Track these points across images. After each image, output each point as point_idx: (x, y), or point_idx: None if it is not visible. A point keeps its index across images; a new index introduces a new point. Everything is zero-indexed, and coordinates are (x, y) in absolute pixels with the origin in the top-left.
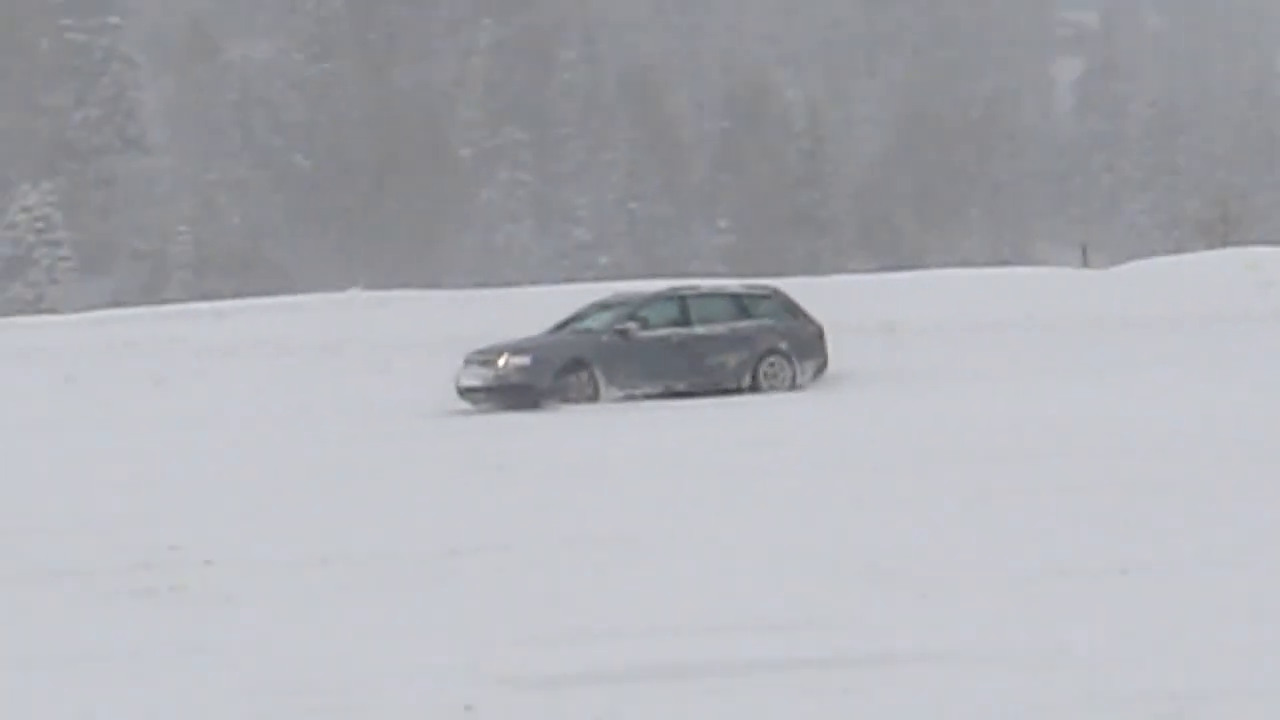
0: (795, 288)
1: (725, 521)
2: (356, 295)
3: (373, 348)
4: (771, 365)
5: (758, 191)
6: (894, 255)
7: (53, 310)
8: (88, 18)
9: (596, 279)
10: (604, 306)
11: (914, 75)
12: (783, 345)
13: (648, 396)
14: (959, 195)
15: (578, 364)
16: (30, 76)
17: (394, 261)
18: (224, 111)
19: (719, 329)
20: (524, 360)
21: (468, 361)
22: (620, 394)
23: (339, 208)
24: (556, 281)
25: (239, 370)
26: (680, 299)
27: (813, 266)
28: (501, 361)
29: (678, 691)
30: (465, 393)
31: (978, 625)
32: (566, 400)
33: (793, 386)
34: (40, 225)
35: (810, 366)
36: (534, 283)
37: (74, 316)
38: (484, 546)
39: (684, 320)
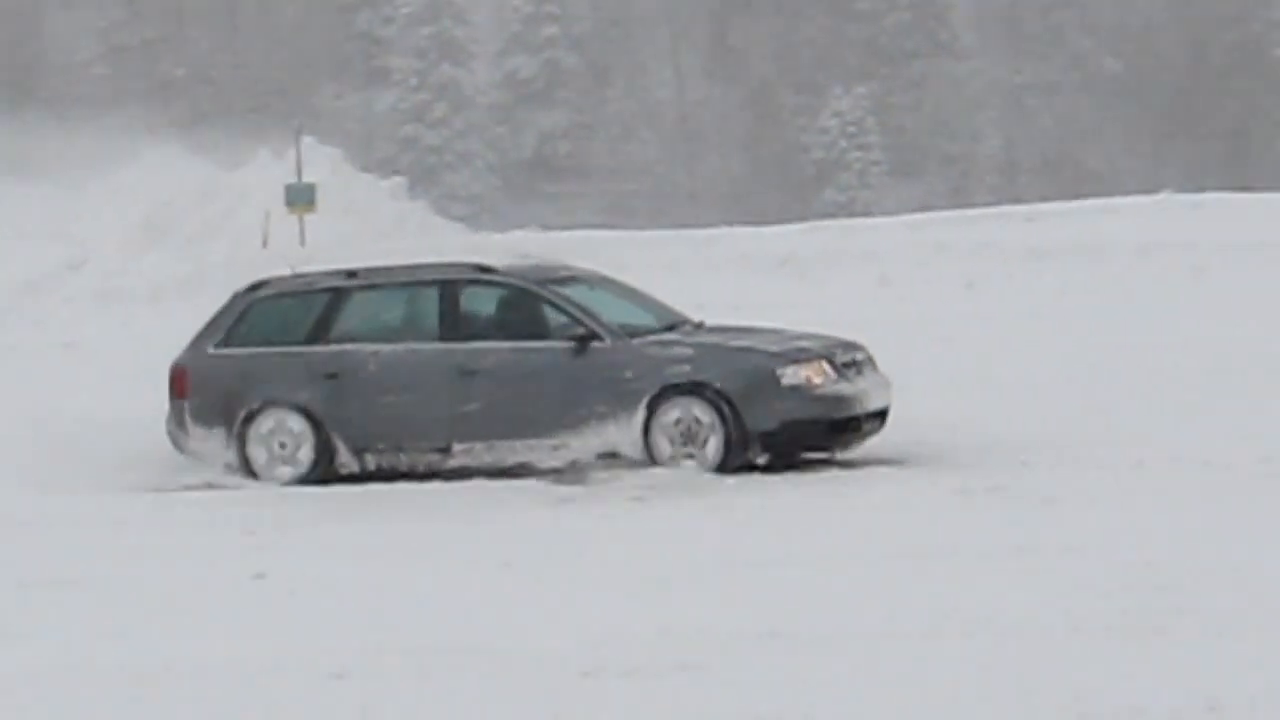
0: None
1: None
2: (1168, 198)
3: (1184, 251)
4: None
5: None
6: None
7: (865, 214)
8: None
9: None
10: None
11: None
12: None
13: None
14: None
15: None
16: None
17: (1204, 164)
18: (1033, 13)
19: None
20: None
21: (811, 358)
22: None
23: (1148, 109)
24: None
25: (1048, 274)
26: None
27: None
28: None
29: None
30: (858, 412)
31: None
32: None
33: None
34: (852, 130)
35: None
36: None
37: (886, 220)
38: None
39: None
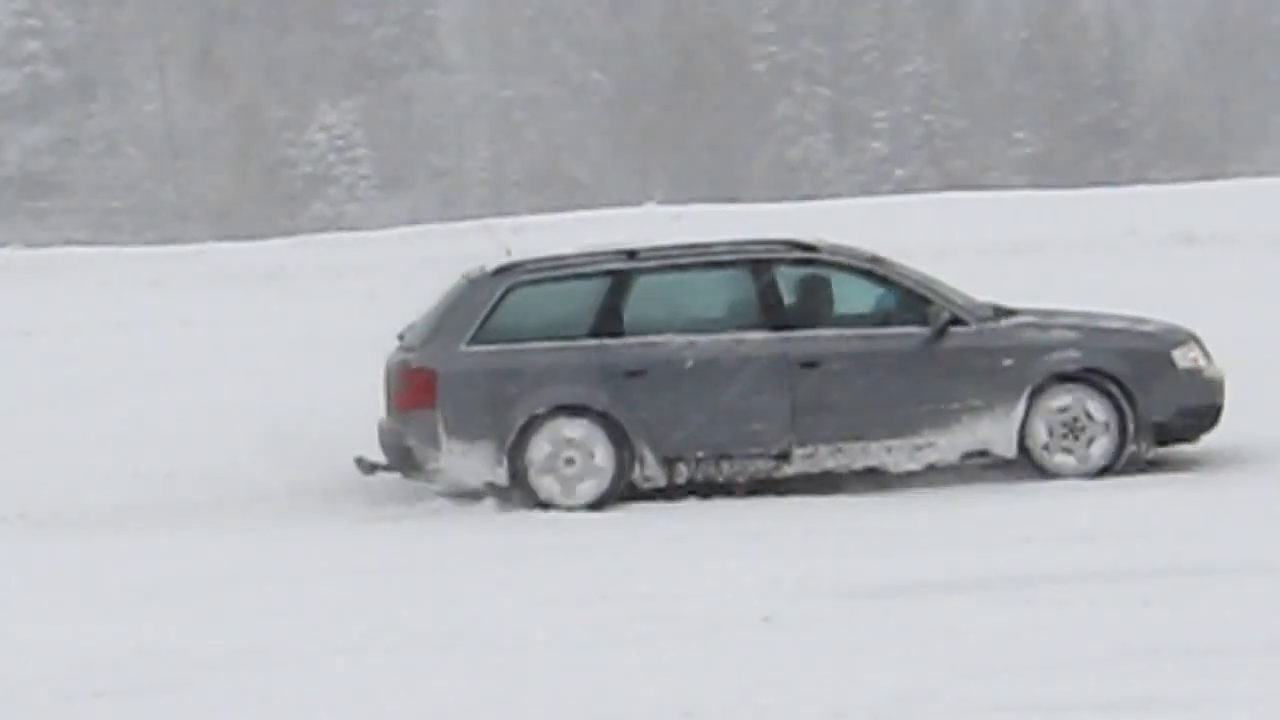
0: (1097, 199)
1: None
2: (653, 209)
3: None
4: None
5: (1056, 102)
6: (1195, 165)
7: (354, 228)
8: None
9: (893, 192)
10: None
11: None
12: None
13: None
14: (1262, 103)
15: None
16: None
17: (690, 176)
18: (520, 28)
19: None
20: None
21: (1187, 338)
22: None
23: (635, 123)
24: (853, 195)
25: None
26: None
27: (1113, 177)
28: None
29: (980, 602)
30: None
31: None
32: None
33: None
34: (340, 144)
35: None
36: (831, 196)
37: (375, 233)
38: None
39: None
